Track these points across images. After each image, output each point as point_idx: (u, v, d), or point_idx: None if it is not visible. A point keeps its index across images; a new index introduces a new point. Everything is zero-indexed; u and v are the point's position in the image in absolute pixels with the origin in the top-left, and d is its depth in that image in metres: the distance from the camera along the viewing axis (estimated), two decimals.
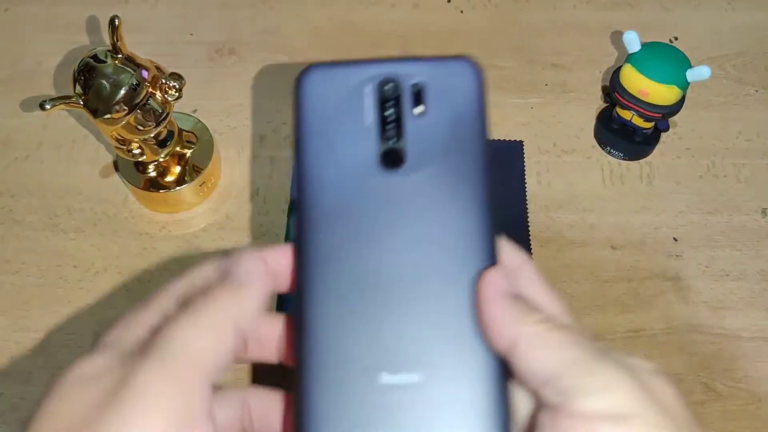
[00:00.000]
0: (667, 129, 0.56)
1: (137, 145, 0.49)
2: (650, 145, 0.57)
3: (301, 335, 0.25)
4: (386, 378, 0.25)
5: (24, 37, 0.63)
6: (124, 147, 0.49)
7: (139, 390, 0.20)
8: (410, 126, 0.27)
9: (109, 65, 0.46)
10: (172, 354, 0.21)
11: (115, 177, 0.56)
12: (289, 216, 0.53)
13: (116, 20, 0.45)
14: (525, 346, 0.23)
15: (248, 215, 0.55)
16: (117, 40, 0.46)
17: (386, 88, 0.27)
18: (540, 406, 0.24)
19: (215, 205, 0.55)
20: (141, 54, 0.48)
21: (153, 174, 0.53)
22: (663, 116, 0.54)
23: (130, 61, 0.47)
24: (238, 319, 0.23)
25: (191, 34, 0.63)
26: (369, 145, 0.27)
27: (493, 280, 0.25)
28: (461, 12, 0.65)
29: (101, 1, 0.65)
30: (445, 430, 0.24)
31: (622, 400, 0.22)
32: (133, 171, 0.53)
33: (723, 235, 0.54)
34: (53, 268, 0.52)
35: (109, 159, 0.57)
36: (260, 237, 0.53)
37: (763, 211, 0.55)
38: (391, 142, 0.27)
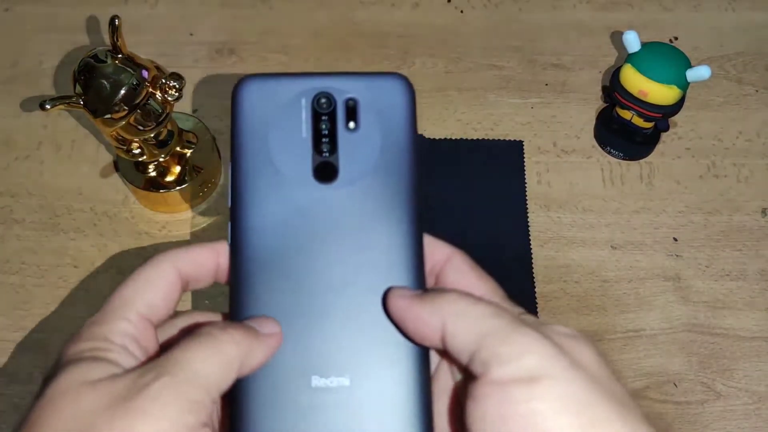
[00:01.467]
0: (667, 129, 0.56)
1: (137, 145, 0.49)
2: (650, 145, 0.57)
3: None
4: (317, 381, 0.26)
5: (24, 37, 0.63)
6: (124, 147, 0.49)
7: (151, 398, 0.22)
8: (343, 140, 0.28)
9: (109, 65, 0.46)
10: (184, 373, 0.23)
11: (115, 177, 0.56)
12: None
13: (116, 20, 0.45)
14: (450, 329, 0.25)
15: None
16: (117, 40, 0.46)
17: (321, 102, 0.28)
18: (468, 378, 0.25)
19: (215, 205, 0.55)
20: (141, 54, 0.48)
21: (153, 174, 0.53)
22: (663, 116, 0.54)
23: (130, 61, 0.47)
24: (245, 358, 0.25)
25: (191, 34, 0.63)
26: (303, 158, 0.28)
27: (397, 291, 0.26)
28: (461, 12, 0.65)
29: (101, 1, 0.65)
30: (374, 427, 0.26)
31: (534, 363, 0.23)
32: (133, 171, 0.53)
33: (723, 235, 0.54)
34: (53, 268, 0.52)
35: (109, 159, 0.57)
36: None
37: (763, 211, 0.55)
38: (324, 156, 0.28)
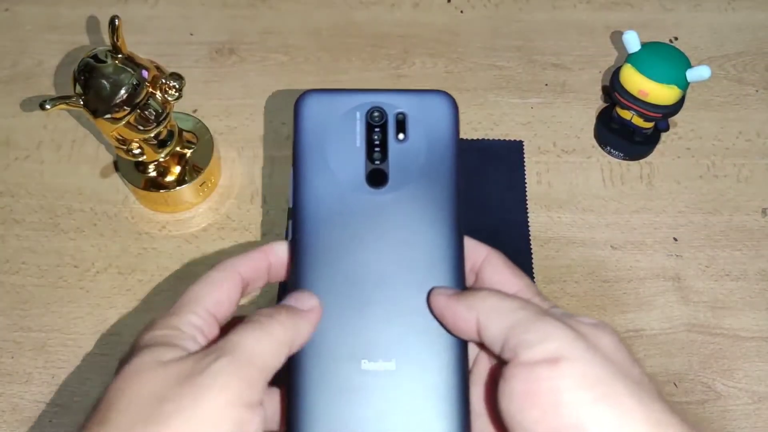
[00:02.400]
0: (667, 129, 0.56)
1: (137, 145, 0.49)
2: (650, 145, 0.57)
3: None
4: (366, 364, 0.29)
5: (24, 37, 0.63)
6: (124, 147, 0.49)
7: (212, 376, 0.25)
8: (393, 150, 0.31)
9: (109, 65, 0.46)
10: (241, 354, 0.26)
11: (115, 177, 0.56)
12: (288, 216, 0.53)
13: (116, 20, 0.45)
14: (483, 322, 0.28)
15: (248, 215, 0.55)
16: (117, 40, 0.46)
17: (374, 115, 0.32)
18: (500, 364, 0.28)
19: (215, 205, 0.55)
20: (141, 54, 0.48)
21: (153, 174, 0.53)
22: (663, 116, 0.54)
23: (130, 61, 0.47)
24: (293, 336, 0.28)
25: (191, 34, 0.63)
26: (357, 165, 0.31)
27: (438, 290, 0.30)
28: (461, 12, 0.65)
29: (101, 1, 0.65)
30: (416, 408, 0.29)
31: (555, 346, 0.26)
32: (133, 171, 0.53)
33: (723, 235, 0.54)
34: (53, 268, 0.52)
35: (109, 159, 0.57)
36: (260, 237, 0.53)
37: (763, 211, 0.55)
38: (376, 164, 0.31)
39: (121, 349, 0.49)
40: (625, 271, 0.52)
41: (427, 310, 0.30)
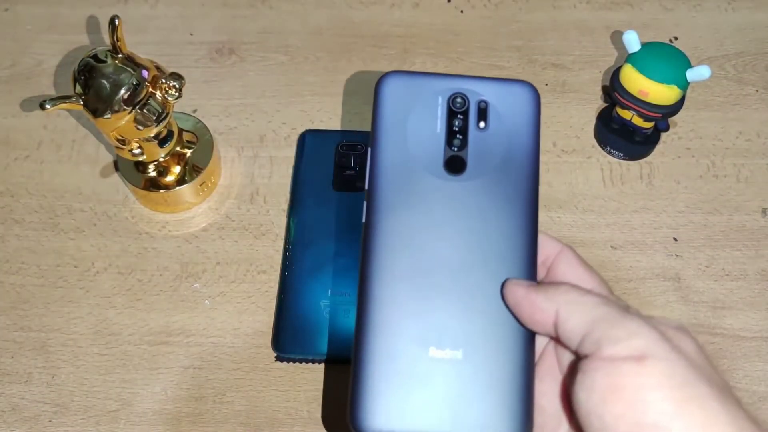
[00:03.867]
0: (667, 129, 0.56)
1: (137, 145, 0.49)
2: (650, 145, 0.57)
3: (364, 309, 0.29)
4: (434, 352, 0.29)
5: (24, 37, 0.63)
6: (124, 147, 0.49)
7: None
8: (473, 138, 0.31)
9: (109, 65, 0.46)
10: None
11: (115, 177, 0.56)
12: (289, 216, 0.53)
13: (116, 20, 0.45)
14: (563, 315, 0.28)
15: (248, 215, 0.55)
16: (117, 40, 0.46)
17: (456, 101, 0.31)
18: (578, 358, 0.28)
19: (215, 205, 0.55)
20: (141, 54, 0.48)
21: (153, 174, 0.53)
22: (663, 116, 0.54)
23: (130, 61, 0.47)
24: None
25: (191, 34, 0.63)
26: (436, 150, 0.31)
27: (515, 281, 0.30)
28: (461, 12, 0.65)
29: (101, 1, 0.65)
30: (480, 399, 0.29)
31: (642, 344, 0.26)
32: (133, 171, 0.53)
33: (723, 235, 0.54)
34: (53, 268, 0.52)
35: (109, 159, 0.57)
36: (260, 237, 0.53)
37: (763, 211, 0.55)
38: (455, 150, 0.31)
39: (121, 349, 0.49)
40: (625, 271, 0.52)
41: (498, 301, 0.30)
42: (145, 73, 0.47)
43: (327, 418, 0.47)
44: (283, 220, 0.54)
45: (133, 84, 0.46)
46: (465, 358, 0.29)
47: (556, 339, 0.29)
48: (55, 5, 0.65)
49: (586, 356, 0.27)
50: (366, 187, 0.31)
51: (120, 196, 0.55)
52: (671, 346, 0.26)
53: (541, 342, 0.31)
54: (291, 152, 0.57)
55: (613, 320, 0.27)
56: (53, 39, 0.63)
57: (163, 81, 0.47)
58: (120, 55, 0.46)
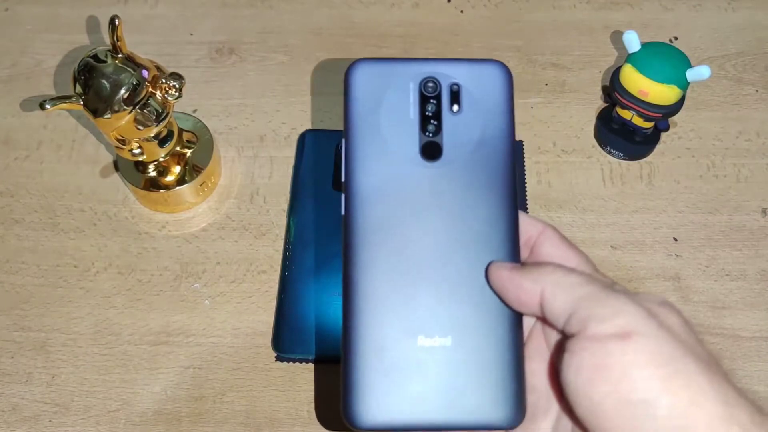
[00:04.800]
0: (667, 129, 0.56)
1: (137, 144, 0.49)
2: (650, 145, 0.57)
3: (349, 303, 0.29)
4: (422, 341, 0.29)
5: (24, 37, 0.63)
6: (124, 147, 0.49)
7: None
8: (447, 122, 0.30)
9: (109, 65, 0.46)
10: None
11: (115, 177, 0.56)
12: (289, 216, 0.53)
13: (116, 20, 0.45)
14: (548, 295, 0.28)
15: (248, 215, 0.55)
16: (117, 40, 0.46)
17: (427, 86, 0.31)
18: (565, 337, 0.28)
19: (215, 205, 0.55)
20: (141, 54, 0.48)
21: (153, 174, 0.53)
22: (663, 116, 0.54)
23: (130, 60, 0.47)
24: None
25: (191, 34, 0.63)
26: (411, 137, 0.30)
27: (498, 264, 0.30)
28: (461, 12, 0.65)
29: (101, 1, 0.65)
30: (473, 384, 0.29)
31: (627, 321, 0.26)
32: (133, 171, 0.53)
33: (723, 235, 0.54)
34: (53, 268, 0.52)
35: (109, 159, 0.57)
36: (260, 237, 0.53)
37: (763, 211, 0.55)
38: (430, 136, 0.30)
39: (121, 349, 0.49)
40: (625, 271, 0.52)
41: (483, 285, 0.29)
42: (145, 73, 0.47)
43: (327, 418, 0.47)
44: (283, 220, 0.54)
45: (133, 84, 0.46)
46: (454, 344, 0.29)
47: (543, 319, 0.29)
48: (55, 5, 0.65)
49: (572, 335, 0.27)
50: (342, 179, 0.30)
51: (120, 196, 0.55)
52: (657, 323, 0.26)
53: (528, 322, 0.31)
54: (291, 152, 0.57)
55: (597, 298, 0.27)
56: (53, 39, 0.63)
57: (163, 81, 0.47)
58: (120, 55, 0.46)
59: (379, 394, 0.28)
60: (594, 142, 0.58)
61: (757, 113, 0.59)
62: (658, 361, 0.25)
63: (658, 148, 0.57)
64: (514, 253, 0.30)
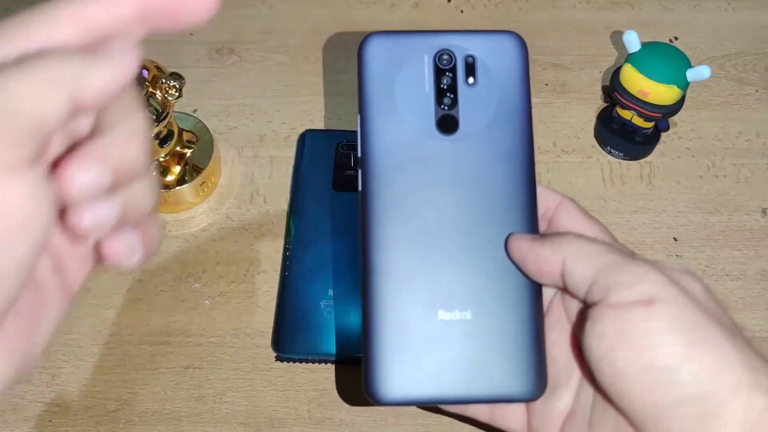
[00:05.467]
0: (667, 129, 0.56)
1: None
2: (650, 145, 0.57)
3: (368, 279, 0.29)
4: (443, 314, 0.29)
5: None
6: None
7: None
8: (463, 95, 0.30)
9: None
10: None
11: None
12: (289, 216, 0.53)
13: None
14: (570, 264, 0.28)
15: (248, 215, 0.55)
16: None
17: (442, 58, 0.30)
18: (587, 306, 0.28)
19: (215, 205, 0.55)
20: (141, 54, 0.48)
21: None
22: (663, 116, 0.54)
23: None
24: (82, 79, 0.19)
25: (191, 34, 0.63)
26: (427, 111, 0.30)
27: (518, 235, 0.29)
28: (461, 12, 0.65)
29: None
30: (494, 357, 0.29)
31: (650, 288, 0.26)
32: None
33: (723, 235, 0.54)
34: None
35: None
36: (260, 237, 0.53)
37: (763, 211, 0.55)
38: (446, 109, 0.30)
39: (121, 349, 0.49)
40: None
41: (503, 258, 0.29)
42: (145, 72, 0.47)
43: (326, 418, 0.47)
44: (283, 220, 0.54)
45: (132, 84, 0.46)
46: (474, 318, 0.29)
47: (564, 289, 0.29)
48: None
49: (594, 304, 0.27)
50: (359, 154, 0.30)
51: None
52: (679, 290, 0.26)
53: (548, 293, 0.31)
54: (291, 152, 0.57)
55: (619, 266, 0.27)
56: None
57: (163, 81, 0.47)
58: None
59: (401, 369, 0.28)
60: (594, 142, 0.58)
61: (757, 113, 0.59)
62: (681, 328, 0.25)
63: (658, 148, 0.57)
64: (532, 224, 0.30)
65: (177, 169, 0.53)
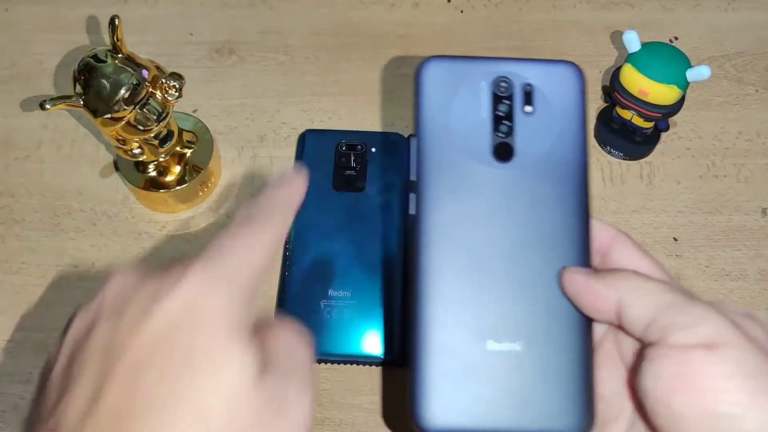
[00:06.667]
0: (667, 129, 0.56)
1: (137, 144, 0.49)
2: (650, 145, 0.57)
3: (418, 304, 0.29)
4: (492, 345, 0.28)
5: (24, 37, 0.63)
6: (124, 147, 0.49)
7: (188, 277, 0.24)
8: (520, 123, 0.30)
9: (109, 65, 0.46)
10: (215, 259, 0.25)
11: (115, 177, 0.56)
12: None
13: (116, 20, 0.45)
14: (627, 302, 0.27)
15: None
16: (117, 40, 0.46)
17: (500, 86, 0.30)
18: (644, 345, 0.27)
19: (215, 205, 0.55)
20: (141, 54, 0.48)
21: (153, 174, 0.53)
22: (663, 116, 0.54)
23: (130, 60, 0.47)
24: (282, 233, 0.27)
25: (191, 34, 0.63)
26: (483, 138, 0.30)
27: (573, 269, 0.29)
28: (461, 12, 0.65)
29: (101, 1, 0.65)
30: (542, 390, 0.28)
31: (712, 331, 0.25)
32: (133, 171, 0.53)
33: (723, 235, 0.54)
34: (53, 268, 0.52)
35: (109, 159, 0.57)
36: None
37: (763, 211, 0.55)
38: (502, 136, 0.30)
39: None
40: None
41: (555, 290, 0.29)
42: (145, 73, 0.47)
43: (326, 418, 0.47)
44: None
45: (133, 84, 0.46)
46: (524, 349, 0.29)
47: (618, 326, 0.29)
48: (55, 5, 0.65)
49: (651, 344, 0.27)
50: (413, 178, 0.30)
51: (120, 196, 0.55)
52: (742, 333, 0.26)
53: (599, 328, 0.31)
54: (291, 152, 0.57)
55: (679, 306, 0.26)
56: (53, 39, 0.63)
57: (163, 81, 0.47)
58: (120, 55, 0.46)
59: (447, 397, 0.28)
60: (594, 142, 0.58)
61: (757, 113, 0.59)
62: (746, 373, 0.25)
63: (658, 148, 0.57)
64: (586, 258, 0.29)
65: (177, 169, 0.53)
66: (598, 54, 0.62)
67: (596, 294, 0.28)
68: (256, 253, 0.25)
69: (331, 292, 0.49)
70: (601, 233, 0.31)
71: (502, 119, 0.30)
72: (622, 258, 0.30)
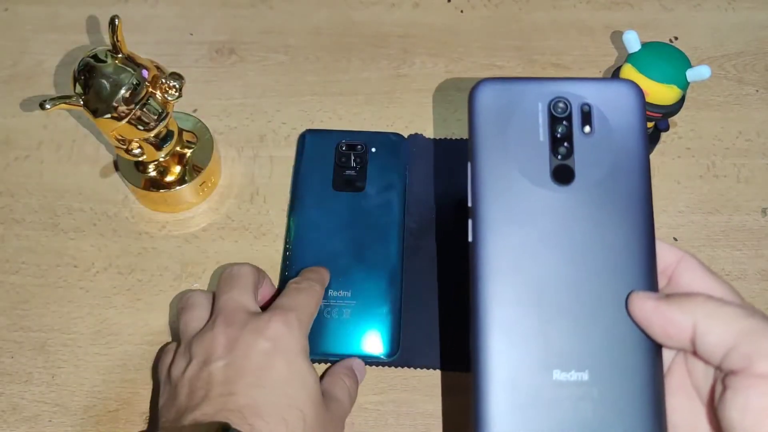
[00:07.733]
0: (667, 129, 0.56)
1: (137, 144, 0.49)
2: (650, 145, 0.57)
3: (481, 332, 0.28)
4: (558, 375, 0.28)
5: (24, 37, 0.63)
6: (124, 147, 0.49)
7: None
8: (579, 145, 0.29)
9: (109, 65, 0.46)
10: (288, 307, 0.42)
11: (115, 177, 0.56)
12: (289, 216, 0.53)
13: (116, 20, 0.45)
14: (703, 328, 0.26)
15: (248, 215, 0.55)
16: (117, 40, 0.46)
17: (557, 106, 0.29)
18: (724, 374, 0.26)
19: (215, 205, 0.55)
20: (141, 54, 0.48)
21: (153, 174, 0.53)
22: (663, 116, 0.54)
23: (130, 60, 0.47)
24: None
25: (191, 34, 0.63)
26: (542, 161, 0.29)
27: (642, 294, 0.28)
28: (461, 12, 0.65)
29: (101, 1, 0.65)
30: (612, 421, 0.27)
31: None
32: (133, 171, 0.53)
33: (723, 235, 0.54)
34: (53, 268, 0.52)
35: (109, 159, 0.57)
36: (260, 237, 0.53)
37: (763, 211, 0.55)
38: (561, 159, 0.29)
39: (121, 349, 0.49)
40: None
41: (622, 316, 0.28)
42: (145, 73, 0.47)
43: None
44: (283, 220, 0.54)
45: (133, 84, 0.46)
46: (591, 379, 0.28)
47: (692, 352, 0.27)
48: (55, 5, 0.65)
49: (734, 372, 0.25)
50: (469, 203, 0.29)
51: (120, 196, 0.55)
52: None
53: (668, 354, 0.29)
54: (291, 152, 0.57)
55: (762, 333, 0.25)
56: (53, 39, 0.63)
57: (163, 81, 0.47)
58: (120, 55, 0.46)
59: (512, 429, 0.27)
60: None
61: (757, 113, 0.59)
62: None
63: (658, 148, 0.57)
64: (653, 282, 0.28)
65: (177, 169, 0.53)
66: (598, 54, 0.62)
67: (668, 320, 0.27)
68: (312, 306, 0.42)
69: (331, 292, 0.49)
70: (666, 254, 0.30)
71: (561, 141, 0.29)
72: (691, 280, 0.29)
